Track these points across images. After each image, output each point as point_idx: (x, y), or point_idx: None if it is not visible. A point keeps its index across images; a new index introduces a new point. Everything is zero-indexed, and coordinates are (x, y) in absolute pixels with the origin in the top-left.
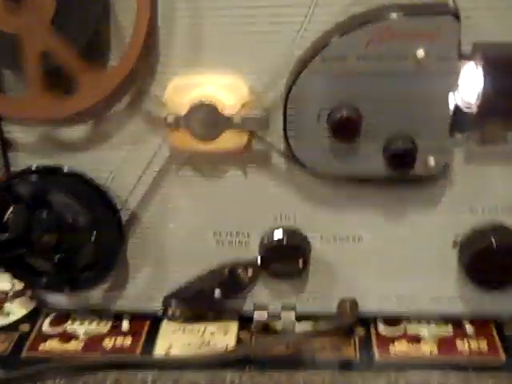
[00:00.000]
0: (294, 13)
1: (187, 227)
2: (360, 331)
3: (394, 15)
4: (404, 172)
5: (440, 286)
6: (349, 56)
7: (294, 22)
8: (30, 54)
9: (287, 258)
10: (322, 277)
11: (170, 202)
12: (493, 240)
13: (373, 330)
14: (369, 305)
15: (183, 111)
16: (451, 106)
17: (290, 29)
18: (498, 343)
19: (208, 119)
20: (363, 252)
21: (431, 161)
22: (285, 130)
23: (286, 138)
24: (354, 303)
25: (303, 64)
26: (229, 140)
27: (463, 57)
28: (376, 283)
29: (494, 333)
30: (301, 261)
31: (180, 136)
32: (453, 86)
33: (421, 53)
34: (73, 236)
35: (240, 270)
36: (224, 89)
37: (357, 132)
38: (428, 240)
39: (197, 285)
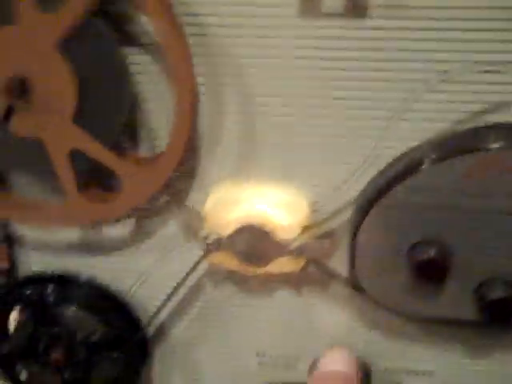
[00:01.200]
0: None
1: (226, 345)
2: None
3: (502, 144)
4: (501, 323)
5: None
6: (443, 187)
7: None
8: (57, 157)
9: None
10: None
11: (207, 316)
12: None
13: None
14: None
15: (226, 231)
16: None
17: (368, 140)
18: None
19: (258, 244)
20: None
21: None
22: (352, 259)
23: (352, 267)
24: None
25: (382, 189)
26: (282, 265)
27: None
28: None
29: None
30: None
31: (222, 256)
32: None
33: None
34: (87, 352)
35: None
36: (279, 207)
37: (444, 274)
38: None
39: None
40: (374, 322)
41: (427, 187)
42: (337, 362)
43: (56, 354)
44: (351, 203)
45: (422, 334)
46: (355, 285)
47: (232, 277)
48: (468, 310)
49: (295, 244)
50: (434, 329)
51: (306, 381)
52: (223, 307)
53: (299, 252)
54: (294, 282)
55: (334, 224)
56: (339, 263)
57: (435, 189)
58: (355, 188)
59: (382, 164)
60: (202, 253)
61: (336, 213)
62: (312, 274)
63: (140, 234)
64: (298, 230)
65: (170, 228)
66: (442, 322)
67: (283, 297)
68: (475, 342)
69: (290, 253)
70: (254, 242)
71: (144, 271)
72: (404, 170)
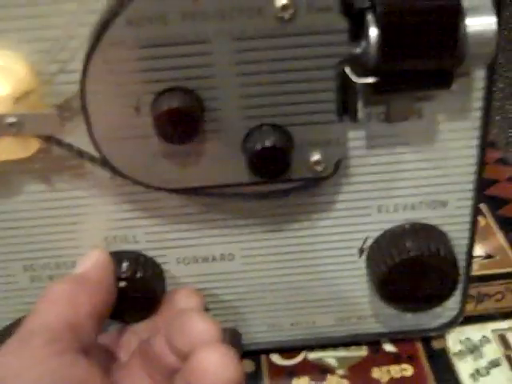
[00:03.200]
0: None
1: None
2: (248, 366)
3: None
4: (276, 178)
5: (347, 305)
6: (170, 14)
7: None
8: None
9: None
10: None
11: None
12: (409, 246)
13: (264, 364)
14: (257, 334)
15: None
16: (337, 78)
17: None
18: (426, 365)
19: None
20: (236, 273)
21: (316, 158)
22: (89, 129)
23: (92, 139)
24: (234, 333)
25: (101, 28)
26: (8, 148)
27: (349, 5)
28: (262, 308)
29: (421, 352)
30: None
31: None
32: (337, 49)
33: (282, 2)
34: None
35: None
36: None
37: (195, 128)
38: (324, 252)
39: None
40: (149, 207)
41: (150, 16)
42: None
43: None
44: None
45: (207, 213)
46: (102, 160)
47: None
48: (240, 173)
49: (11, 118)
50: (220, 205)
51: None
52: None
53: (19, 127)
54: (40, 171)
55: (64, 88)
56: (85, 139)
57: (160, 17)
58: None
59: None
60: None
61: (62, 72)
62: (60, 158)
63: None
64: (13, 100)
65: None
66: (224, 195)
67: (33, 192)
68: (267, 213)
69: (9, 130)
70: None
71: None
72: None
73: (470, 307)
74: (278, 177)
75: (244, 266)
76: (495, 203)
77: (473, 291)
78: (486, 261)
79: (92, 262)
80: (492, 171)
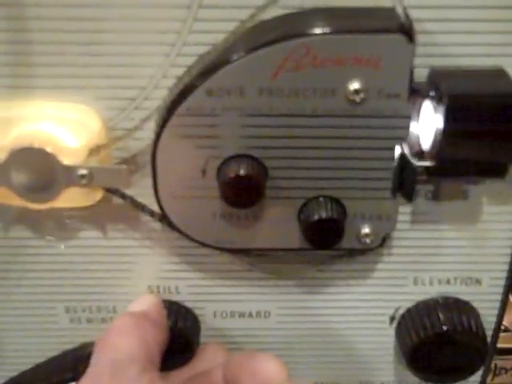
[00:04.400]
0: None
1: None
2: None
3: (317, 30)
4: (327, 248)
5: (371, 369)
6: (247, 89)
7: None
8: None
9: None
10: None
11: None
12: (442, 319)
13: None
14: None
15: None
16: (396, 158)
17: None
18: None
19: (39, 172)
20: (269, 330)
21: (366, 231)
22: (155, 187)
23: (156, 197)
24: None
25: (178, 98)
26: (73, 197)
27: (416, 92)
28: (290, 366)
29: None
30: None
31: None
32: (399, 133)
33: (354, 86)
34: None
35: None
36: (65, 125)
37: (259, 195)
38: (356, 317)
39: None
40: (196, 261)
41: (229, 88)
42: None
43: None
44: (153, 117)
45: (251, 271)
46: (163, 216)
47: (23, 218)
48: (293, 238)
49: (83, 170)
50: (264, 264)
51: None
52: (18, 254)
53: (89, 179)
54: (97, 218)
55: (132, 144)
56: (145, 192)
57: (238, 90)
58: (157, 98)
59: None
60: None
61: (134, 130)
62: (117, 207)
63: None
64: (86, 153)
65: None
66: (270, 256)
67: (87, 238)
68: (308, 276)
69: (79, 181)
70: (35, 170)
71: None
72: (204, 70)
73: (488, 380)
74: (329, 247)
75: (278, 324)
76: None
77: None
78: (505, 334)
79: (148, 303)
80: None
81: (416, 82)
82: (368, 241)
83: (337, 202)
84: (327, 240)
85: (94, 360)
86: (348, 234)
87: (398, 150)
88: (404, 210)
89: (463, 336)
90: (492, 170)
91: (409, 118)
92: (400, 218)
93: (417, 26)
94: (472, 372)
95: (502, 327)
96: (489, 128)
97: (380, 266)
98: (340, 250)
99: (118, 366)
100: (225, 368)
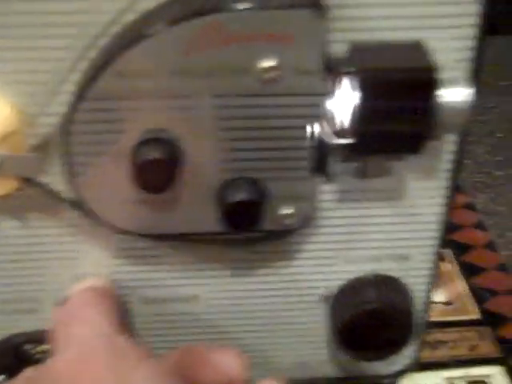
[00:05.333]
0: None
1: None
2: None
3: (228, 7)
4: (247, 230)
5: (306, 349)
6: (158, 70)
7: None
8: None
9: None
10: None
11: None
12: (370, 297)
13: None
14: None
15: None
16: (313, 137)
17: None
18: None
19: None
20: (201, 314)
21: (286, 212)
22: (70, 174)
23: (72, 184)
24: None
25: (89, 81)
26: None
27: (334, 68)
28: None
29: None
30: None
31: None
32: (315, 111)
33: (268, 64)
34: None
35: (28, 346)
36: None
37: (171, 179)
38: (288, 298)
39: None
40: (119, 247)
41: (139, 70)
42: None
43: None
44: (65, 102)
45: (175, 256)
46: (80, 204)
47: None
48: (212, 221)
49: None
50: (189, 249)
51: None
52: None
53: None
54: (15, 207)
55: (44, 130)
56: (61, 179)
57: (149, 71)
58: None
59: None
60: None
61: (46, 116)
62: (36, 196)
63: None
64: None
65: None
66: (193, 239)
67: (7, 229)
68: (232, 258)
69: None
70: None
71: None
72: (113, 51)
73: (425, 354)
74: (249, 229)
75: (208, 307)
76: (459, 249)
77: (429, 337)
78: (444, 307)
79: (97, 281)
80: (458, 216)
81: (335, 57)
82: (289, 222)
83: (254, 183)
84: (246, 222)
85: (69, 339)
86: (268, 215)
87: (315, 129)
88: (328, 189)
89: (392, 312)
90: (410, 146)
91: (324, 95)
92: (326, 197)
93: (334, 0)
94: (399, 348)
95: (444, 300)
96: (403, 103)
97: (309, 246)
98: (261, 232)
99: (106, 338)
100: (181, 355)
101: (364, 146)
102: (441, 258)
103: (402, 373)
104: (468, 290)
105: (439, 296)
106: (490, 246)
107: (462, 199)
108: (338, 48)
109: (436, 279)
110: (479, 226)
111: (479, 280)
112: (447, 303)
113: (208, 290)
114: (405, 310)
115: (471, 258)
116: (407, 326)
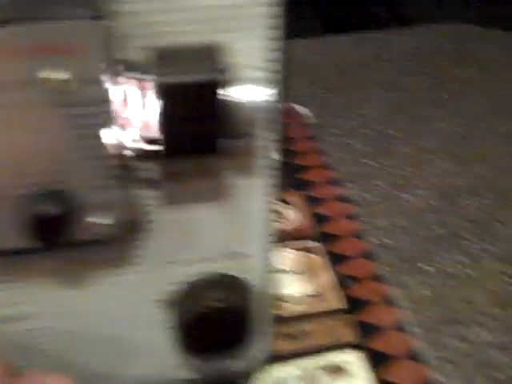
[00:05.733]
0: None
1: None
2: None
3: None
4: (53, 243)
5: (150, 356)
6: None
7: None
8: None
9: None
10: None
11: None
12: (207, 297)
13: None
14: None
15: None
16: (111, 145)
17: None
18: None
19: None
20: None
21: (97, 221)
22: None
23: None
24: None
25: None
26: None
27: (125, 76)
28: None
29: None
30: None
31: None
32: (104, 118)
33: (54, 76)
34: None
35: None
36: None
37: None
38: (125, 305)
39: None
40: None
41: None
42: None
43: None
44: None
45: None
46: None
47: None
48: (17, 237)
49: None
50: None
51: None
52: None
53: None
54: None
55: None
56: None
57: None
58: None
59: None
60: None
61: None
62: None
63: None
64: None
65: None
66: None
67: None
68: (58, 268)
69: None
70: None
71: None
72: None
73: (288, 346)
74: (57, 242)
75: (42, 323)
76: (328, 240)
77: (292, 329)
78: (310, 299)
79: None
80: (329, 208)
81: (131, 64)
82: (102, 230)
83: (59, 194)
84: (53, 235)
85: None
86: (79, 225)
87: (113, 136)
88: (154, 195)
89: (227, 310)
90: (207, 146)
91: (109, 102)
92: (151, 202)
93: (126, 8)
94: (243, 343)
95: (311, 292)
96: (193, 106)
97: (141, 252)
98: (75, 243)
99: None
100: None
101: (166, 150)
102: (308, 250)
103: (255, 368)
104: (335, 280)
105: (308, 288)
106: (358, 235)
107: (334, 191)
108: (138, 54)
109: (271, 275)
110: (349, 216)
111: (344, 268)
112: (313, 295)
113: (37, 306)
114: (240, 307)
115: (338, 248)
116: (243, 322)
